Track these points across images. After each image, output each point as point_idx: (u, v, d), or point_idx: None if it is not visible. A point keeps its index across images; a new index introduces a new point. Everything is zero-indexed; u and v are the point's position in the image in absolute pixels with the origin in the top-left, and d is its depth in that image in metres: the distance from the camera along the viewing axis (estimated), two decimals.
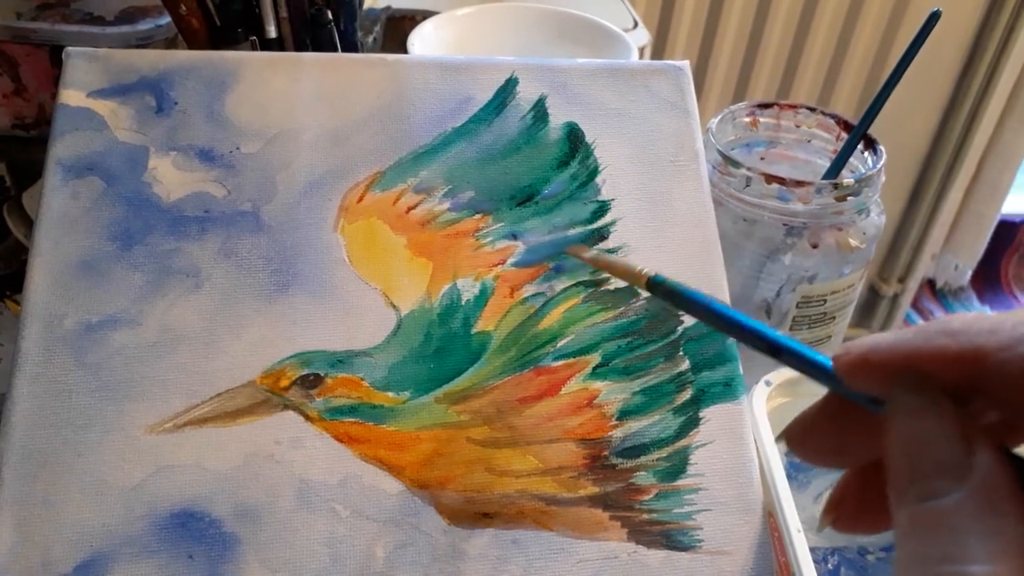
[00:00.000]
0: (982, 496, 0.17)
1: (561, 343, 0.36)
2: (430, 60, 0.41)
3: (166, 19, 0.50)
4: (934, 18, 0.45)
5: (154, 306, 0.34)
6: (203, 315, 0.34)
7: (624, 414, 0.35)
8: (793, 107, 0.50)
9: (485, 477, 0.33)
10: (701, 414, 0.35)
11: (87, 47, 0.38)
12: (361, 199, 0.37)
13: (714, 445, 0.34)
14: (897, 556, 0.17)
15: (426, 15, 0.61)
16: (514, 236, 0.37)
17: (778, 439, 0.22)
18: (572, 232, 0.38)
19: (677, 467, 0.34)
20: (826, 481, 0.44)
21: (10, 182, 0.54)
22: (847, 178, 0.45)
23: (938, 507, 0.17)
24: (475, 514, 0.32)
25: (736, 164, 0.46)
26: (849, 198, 0.45)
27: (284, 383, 0.33)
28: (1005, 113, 1.19)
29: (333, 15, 0.45)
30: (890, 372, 0.19)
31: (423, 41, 0.55)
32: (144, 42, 0.50)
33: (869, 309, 1.39)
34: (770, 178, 0.45)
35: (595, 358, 0.35)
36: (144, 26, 0.50)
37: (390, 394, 0.34)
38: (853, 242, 0.46)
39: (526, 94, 0.40)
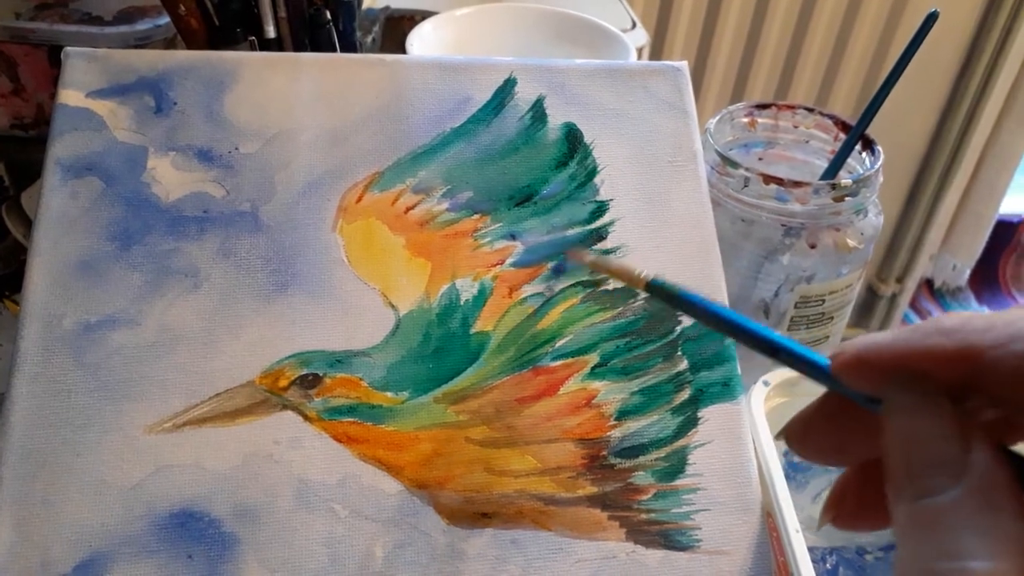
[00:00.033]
0: (979, 493, 0.17)
1: (560, 343, 0.36)
2: (429, 60, 0.41)
3: (165, 19, 0.50)
4: (932, 19, 0.45)
5: (153, 306, 0.34)
6: (202, 315, 0.34)
7: (622, 414, 0.35)
8: (791, 107, 0.50)
9: (484, 477, 0.33)
10: (699, 414, 0.35)
11: (86, 47, 0.38)
12: (360, 199, 0.37)
13: (712, 445, 0.35)
14: (896, 553, 0.18)
15: (425, 15, 0.61)
16: (513, 236, 0.37)
17: (777, 437, 0.22)
18: (571, 232, 0.38)
19: (675, 467, 0.34)
20: (824, 481, 0.45)
21: (9, 182, 0.54)
22: (845, 178, 0.45)
23: (936, 504, 0.17)
24: (474, 514, 0.33)
25: (734, 164, 0.46)
26: (847, 198, 0.45)
27: (283, 383, 0.34)
28: (1003, 113, 1.19)
29: (332, 15, 0.45)
30: (886, 371, 0.19)
31: (422, 41, 0.55)
32: (143, 42, 0.50)
33: (867, 309, 1.39)
34: (768, 178, 0.45)
35: (593, 358, 0.35)
36: (143, 26, 0.50)
37: (389, 394, 0.34)
38: (851, 242, 0.47)
39: (525, 94, 0.40)
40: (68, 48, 0.38)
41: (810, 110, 0.50)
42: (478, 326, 0.35)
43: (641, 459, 0.34)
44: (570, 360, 0.35)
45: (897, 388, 0.19)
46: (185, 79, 0.38)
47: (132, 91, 0.38)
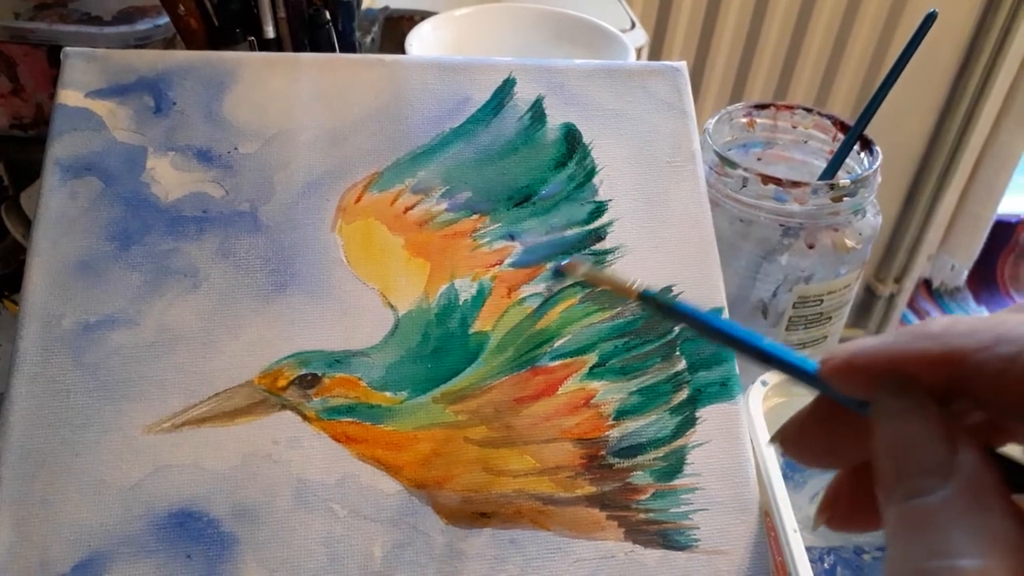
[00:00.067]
0: (968, 493, 0.17)
1: (558, 343, 0.36)
2: (428, 61, 0.41)
3: (164, 19, 0.50)
4: (930, 19, 0.45)
5: (152, 306, 0.34)
6: (201, 315, 0.34)
7: (621, 414, 0.35)
8: (790, 108, 0.51)
9: (482, 477, 0.33)
10: (697, 414, 0.35)
11: (85, 47, 0.38)
12: (359, 199, 0.37)
13: (710, 445, 0.35)
14: (887, 554, 0.18)
15: (424, 15, 0.61)
16: (511, 236, 0.37)
17: (771, 441, 0.22)
18: (569, 233, 0.38)
19: (674, 467, 0.34)
20: (822, 481, 0.45)
21: (8, 182, 0.54)
22: (843, 179, 0.46)
23: (925, 504, 0.17)
24: (473, 514, 0.33)
25: (733, 165, 0.46)
26: (845, 199, 0.45)
27: (282, 383, 0.34)
28: (1001, 114, 1.20)
29: (331, 15, 0.45)
30: (874, 376, 0.19)
31: (421, 41, 0.55)
32: (142, 42, 0.50)
33: (865, 309, 1.39)
34: (766, 179, 0.45)
35: (592, 358, 0.36)
36: (142, 26, 0.50)
37: (388, 394, 0.34)
38: (849, 242, 0.47)
39: (524, 95, 0.40)
40: (67, 48, 0.38)
41: (808, 110, 0.50)
42: (477, 326, 0.35)
43: (639, 459, 0.34)
44: (569, 360, 0.35)
45: (885, 392, 0.19)
46: (184, 79, 0.38)
47: (131, 91, 0.38)
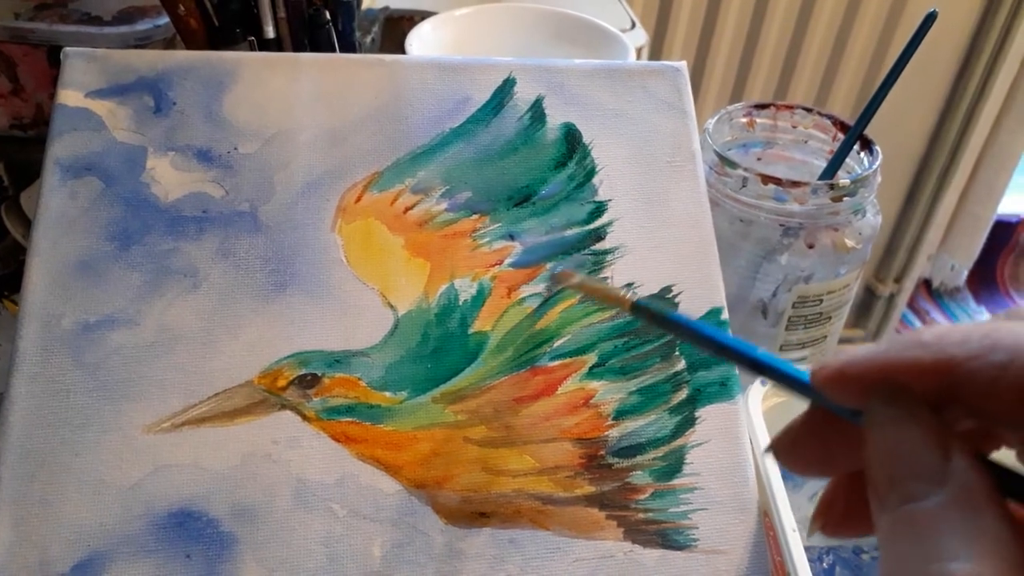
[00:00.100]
0: (961, 499, 0.17)
1: (558, 343, 0.36)
2: (428, 60, 0.41)
3: (164, 19, 0.50)
4: (930, 19, 0.45)
5: (152, 306, 0.34)
6: (201, 315, 0.34)
7: (620, 414, 0.35)
8: (790, 108, 0.51)
9: (482, 477, 0.33)
10: (697, 414, 0.35)
11: (85, 47, 0.39)
12: (359, 199, 0.37)
13: (710, 445, 0.35)
14: (881, 561, 0.18)
15: (424, 15, 0.61)
16: (511, 236, 0.37)
17: (766, 451, 0.23)
18: (569, 233, 0.38)
19: (673, 466, 0.34)
20: (820, 481, 0.45)
21: (8, 182, 0.54)
22: (843, 179, 0.46)
23: (918, 509, 0.17)
24: (472, 513, 0.33)
25: (732, 164, 0.46)
26: (845, 199, 0.45)
27: (281, 383, 0.34)
28: (1002, 114, 1.20)
29: (331, 15, 0.45)
30: (867, 385, 0.19)
31: (421, 41, 0.55)
32: (142, 42, 0.50)
33: (865, 309, 1.39)
34: (766, 179, 0.45)
35: (591, 358, 0.36)
36: (142, 26, 0.50)
37: (387, 394, 0.34)
38: (849, 242, 0.47)
39: (524, 95, 0.40)
40: (67, 48, 0.38)
41: (808, 110, 0.50)
42: (476, 326, 0.35)
43: (639, 459, 0.34)
44: (568, 360, 0.35)
45: (877, 401, 0.19)
46: (184, 79, 0.38)
47: (131, 91, 0.38)
